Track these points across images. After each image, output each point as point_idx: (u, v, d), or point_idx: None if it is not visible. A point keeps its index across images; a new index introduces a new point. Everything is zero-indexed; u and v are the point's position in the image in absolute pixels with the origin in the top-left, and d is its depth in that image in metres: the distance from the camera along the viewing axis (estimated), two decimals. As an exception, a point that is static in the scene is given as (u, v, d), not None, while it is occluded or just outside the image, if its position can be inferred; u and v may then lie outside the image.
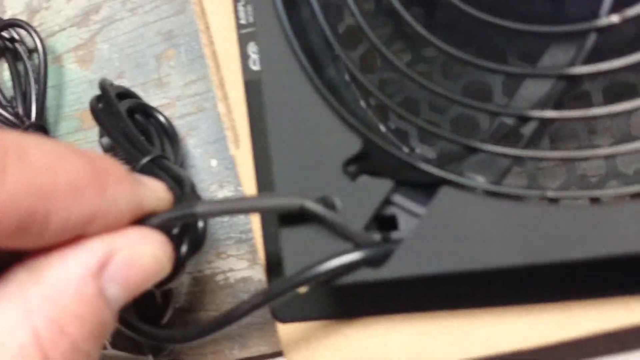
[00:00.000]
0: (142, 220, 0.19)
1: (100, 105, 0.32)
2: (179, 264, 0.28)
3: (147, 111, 0.34)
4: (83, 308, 0.16)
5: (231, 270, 0.35)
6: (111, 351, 0.31)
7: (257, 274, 0.34)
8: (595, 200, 0.21)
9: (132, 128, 0.30)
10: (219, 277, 0.35)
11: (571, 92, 0.21)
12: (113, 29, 0.38)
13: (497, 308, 0.24)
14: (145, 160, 0.29)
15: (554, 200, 0.22)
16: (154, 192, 0.20)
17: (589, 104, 0.22)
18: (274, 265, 0.27)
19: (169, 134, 0.34)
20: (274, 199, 0.21)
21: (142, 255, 0.18)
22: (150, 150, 0.30)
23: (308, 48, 0.23)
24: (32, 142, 0.16)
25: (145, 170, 0.29)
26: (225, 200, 0.21)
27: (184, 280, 0.36)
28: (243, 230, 0.35)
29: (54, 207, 0.16)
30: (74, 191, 0.16)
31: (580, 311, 0.23)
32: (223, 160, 0.35)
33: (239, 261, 0.35)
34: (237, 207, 0.21)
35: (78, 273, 0.16)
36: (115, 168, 0.18)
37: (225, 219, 0.35)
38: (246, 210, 0.21)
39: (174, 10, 0.36)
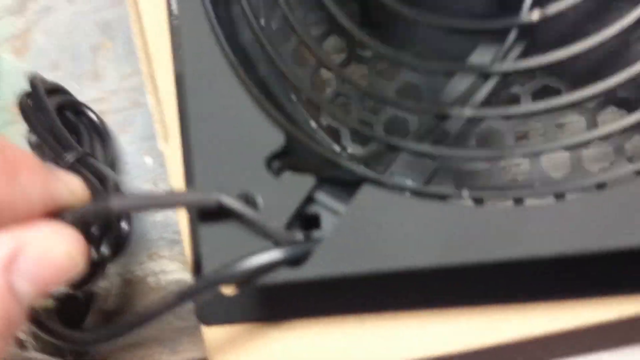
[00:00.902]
0: (56, 216, 0.18)
1: (29, 101, 0.31)
2: (98, 265, 0.27)
3: (78, 108, 0.33)
4: None
5: (163, 272, 0.34)
6: (32, 354, 0.30)
7: (190, 277, 0.33)
8: (519, 201, 0.21)
9: (59, 125, 0.30)
10: (150, 279, 0.34)
11: (500, 93, 0.21)
12: (50, 19, 0.37)
13: (422, 312, 0.23)
14: (69, 158, 0.28)
15: (479, 201, 0.21)
16: (67, 185, 0.19)
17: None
18: (199, 265, 0.26)
19: (99, 132, 0.33)
20: (191, 195, 0.20)
21: (54, 250, 0.17)
22: (76, 148, 0.29)
23: (238, 43, 0.23)
24: None
25: (72, 169, 0.28)
26: (141, 195, 0.20)
27: (114, 281, 0.34)
28: (176, 231, 0.34)
29: None
30: None
31: (501, 316, 0.23)
32: (158, 157, 0.34)
33: (171, 262, 0.34)
34: (152, 202, 0.20)
35: None
36: (26, 158, 0.18)
37: (158, 217, 0.34)
38: (162, 206, 0.20)
39: (112, 1, 0.35)
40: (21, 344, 0.30)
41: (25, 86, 0.37)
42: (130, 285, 0.34)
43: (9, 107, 0.37)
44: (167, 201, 0.20)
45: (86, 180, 0.27)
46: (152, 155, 0.34)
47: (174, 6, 0.26)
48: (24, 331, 0.30)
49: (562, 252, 0.18)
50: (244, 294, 0.25)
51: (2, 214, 0.17)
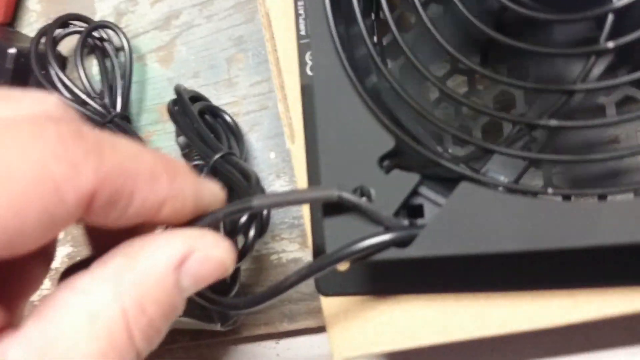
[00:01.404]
0: (207, 214, 0.23)
1: (176, 107, 0.37)
2: (247, 246, 0.32)
3: (215, 112, 0.38)
4: (162, 294, 0.20)
5: (284, 251, 0.39)
6: (185, 318, 0.35)
7: (307, 256, 0.38)
8: (602, 198, 0.24)
9: (204, 128, 0.35)
10: (273, 257, 0.39)
11: (586, 104, 0.24)
12: (191, 33, 0.42)
13: (512, 292, 0.27)
14: (216, 156, 0.33)
15: (566, 197, 0.25)
16: (211, 189, 0.23)
17: (603, 115, 0.25)
18: (320, 249, 0.31)
19: (234, 132, 0.38)
20: (316, 192, 0.24)
21: (214, 257, 0.21)
22: (221, 148, 0.34)
23: (355, 58, 0.27)
24: (119, 138, 0.20)
25: (217, 166, 0.33)
26: (276, 194, 0.25)
27: (247, 258, 0.40)
28: (295, 216, 0.39)
29: (137, 188, 0.19)
30: (152, 177, 0.20)
31: (585, 298, 0.26)
32: (280, 153, 0.39)
33: (290, 243, 0.39)
34: (285, 200, 0.24)
35: (163, 266, 0.20)
36: (180, 164, 0.21)
37: (281, 205, 0.39)
38: (293, 203, 0.25)
39: (244, 19, 0.40)
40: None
41: (169, 92, 0.43)
42: (257, 262, 0.40)
43: (156, 109, 0.44)
44: (297, 198, 0.25)
45: (232, 175, 0.32)
46: (275, 151, 0.40)
47: (302, 28, 0.31)
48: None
49: (633, 241, 0.21)
50: (357, 270, 0.29)
51: (164, 209, 0.20)
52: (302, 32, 0.31)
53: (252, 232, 0.29)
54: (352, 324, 0.30)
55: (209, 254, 0.21)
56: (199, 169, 0.35)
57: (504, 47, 0.23)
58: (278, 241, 0.39)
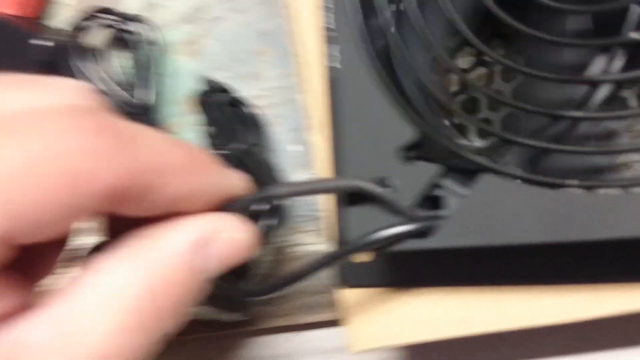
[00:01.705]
0: (232, 202, 0.23)
1: (204, 98, 0.37)
2: (269, 233, 0.33)
3: (242, 104, 0.39)
4: (188, 274, 0.20)
5: (304, 243, 0.39)
6: (203, 307, 0.36)
7: (327, 249, 0.39)
8: (625, 189, 0.24)
9: (231, 120, 0.36)
10: (294, 249, 0.40)
11: (611, 96, 0.24)
12: (218, 27, 0.43)
13: (533, 286, 0.27)
14: (242, 147, 0.34)
15: (588, 188, 0.24)
16: (238, 182, 0.24)
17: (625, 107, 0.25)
18: (343, 239, 0.31)
19: (259, 124, 0.39)
20: (339, 181, 0.25)
21: (238, 239, 0.22)
22: (246, 139, 0.35)
23: (381, 51, 0.27)
24: (150, 131, 0.20)
25: (242, 157, 0.34)
26: (296, 183, 0.25)
27: (267, 249, 0.40)
28: (315, 209, 0.39)
29: (166, 182, 0.19)
30: (180, 172, 0.20)
31: (608, 292, 0.25)
32: (304, 146, 0.40)
33: (310, 236, 0.39)
34: (305, 189, 0.25)
35: (187, 246, 0.20)
36: (209, 159, 0.22)
37: (304, 199, 0.39)
38: (312, 192, 0.25)
39: (271, 14, 0.41)
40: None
41: (196, 85, 0.43)
42: (278, 253, 0.40)
43: (183, 101, 0.44)
44: (316, 188, 0.25)
45: (255, 167, 0.33)
46: (299, 144, 0.40)
47: (328, 21, 0.31)
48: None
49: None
50: (378, 262, 0.30)
51: (190, 201, 0.21)
52: (328, 25, 0.31)
53: (274, 221, 0.29)
54: (371, 316, 0.30)
55: (233, 235, 0.21)
56: (224, 158, 0.35)
57: (524, 37, 0.23)
58: (298, 233, 0.39)
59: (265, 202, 0.25)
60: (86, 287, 0.19)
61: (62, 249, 0.22)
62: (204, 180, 0.21)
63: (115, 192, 0.18)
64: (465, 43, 0.29)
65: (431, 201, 0.25)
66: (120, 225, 0.21)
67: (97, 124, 0.18)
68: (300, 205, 0.40)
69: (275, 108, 0.41)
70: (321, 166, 0.33)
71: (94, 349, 0.18)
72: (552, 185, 0.23)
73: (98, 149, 0.18)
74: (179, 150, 0.20)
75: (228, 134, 0.34)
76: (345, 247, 0.25)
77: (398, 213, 0.24)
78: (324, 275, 0.39)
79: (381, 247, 0.25)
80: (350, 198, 0.25)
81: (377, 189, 0.24)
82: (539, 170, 0.23)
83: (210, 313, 0.36)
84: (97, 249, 0.22)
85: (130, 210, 0.19)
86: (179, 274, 0.20)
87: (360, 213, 0.25)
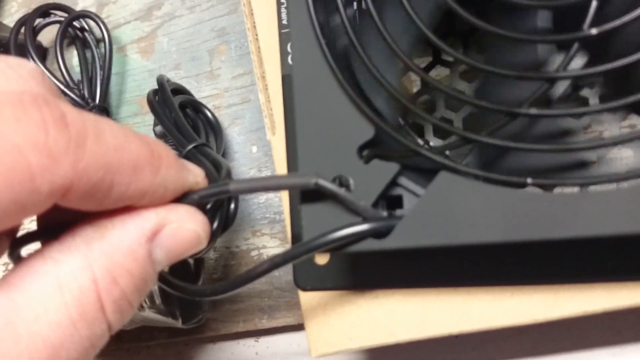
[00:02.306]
0: (184, 195, 0.22)
1: (156, 97, 0.36)
2: (219, 229, 0.32)
3: (197, 107, 0.38)
4: (134, 265, 0.19)
5: (264, 247, 0.38)
6: (148, 313, 0.35)
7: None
8: (584, 187, 0.23)
9: (182, 119, 0.35)
10: (254, 253, 0.39)
11: (570, 96, 0.24)
12: (172, 24, 0.42)
13: (493, 287, 0.26)
14: (190, 146, 0.33)
15: (547, 187, 0.24)
16: (195, 177, 0.23)
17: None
18: (297, 238, 0.30)
19: (213, 127, 0.38)
20: (294, 178, 0.24)
21: (187, 230, 0.21)
22: (195, 139, 0.34)
23: (335, 48, 0.26)
24: (106, 124, 0.19)
25: (189, 156, 0.33)
26: (253, 179, 0.24)
27: (223, 253, 0.39)
28: (277, 212, 0.38)
29: (117, 181, 0.19)
30: (134, 170, 0.19)
31: (567, 293, 0.25)
32: (263, 147, 0.39)
33: (271, 239, 0.38)
34: (262, 185, 0.24)
35: (135, 237, 0.20)
36: (167, 154, 0.21)
37: (262, 199, 0.38)
38: (270, 188, 0.24)
39: (227, 10, 0.40)
40: (140, 305, 0.35)
41: (149, 84, 0.42)
42: (236, 257, 0.39)
43: (136, 101, 0.43)
44: (273, 184, 0.24)
45: (203, 166, 0.31)
46: (257, 145, 0.39)
47: (284, 17, 0.30)
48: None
49: (615, 233, 0.20)
50: (334, 264, 0.29)
51: (144, 199, 0.20)
52: (284, 22, 0.30)
53: (215, 224, 0.29)
54: (330, 320, 0.30)
55: (183, 225, 0.21)
56: None
57: (484, 37, 0.23)
58: (258, 236, 0.38)
59: (218, 196, 0.24)
60: (31, 275, 0.18)
61: (8, 240, 0.21)
62: (158, 179, 0.20)
63: (59, 190, 0.17)
64: (425, 42, 0.29)
65: (390, 201, 0.24)
66: (70, 215, 0.20)
67: (45, 117, 0.17)
68: (260, 207, 0.39)
69: (233, 109, 0.40)
70: (279, 167, 0.32)
71: (37, 341, 0.17)
72: (511, 185, 0.22)
73: (45, 144, 0.17)
74: (132, 147, 0.19)
75: (177, 134, 0.33)
76: (300, 246, 0.24)
77: (355, 212, 0.24)
78: (285, 280, 0.38)
79: (336, 247, 0.24)
80: (307, 196, 0.24)
81: (334, 187, 0.24)
82: (498, 170, 0.22)
83: (155, 320, 0.35)
84: (25, 238, 0.21)
85: (76, 206, 0.18)
86: (126, 266, 0.19)
87: (315, 212, 0.24)
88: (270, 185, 0.24)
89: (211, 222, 0.31)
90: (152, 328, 0.41)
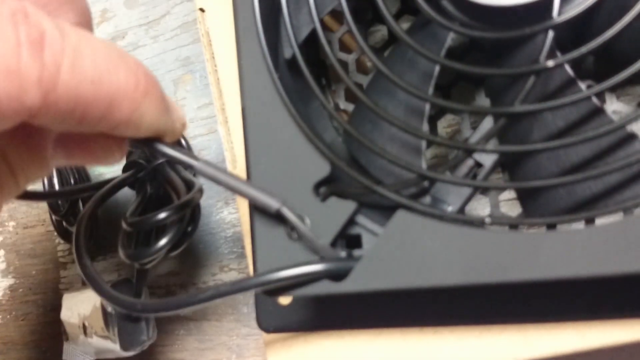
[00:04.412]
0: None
1: None
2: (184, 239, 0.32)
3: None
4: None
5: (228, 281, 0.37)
6: (92, 338, 0.33)
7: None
8: (551, 227, 0.22)
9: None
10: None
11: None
12: (137, 54, 0.41)
13: (460, 327, 0.25)
14: (161, 160, 0.32)
15: (513, 227, 0.23)
16: (174, 122, 0.22)
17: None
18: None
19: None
20: (260, 193, 0.22)
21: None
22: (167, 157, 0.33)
23: (293, 82, 0.26)
24: (90, 47, 0.17)
25: (160, 168, 0.33)
26: (223, 170, 0.23)
27: (190, 289, 0.38)
28: (244, 246, 0.37)
29: (89, 114, 0.17)
30: (109, 105, 0.18)
31: (535, 333, 0.24)
32: (229, 179, 0.38)
33: (239, 274, 0.37)
34: (227, 181, 0.23)
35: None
36: (154, 89, 0.19)
37: (229, 233, 0.37)
38: (233, 189, 0.22)
39: (191, 39, 0.39)
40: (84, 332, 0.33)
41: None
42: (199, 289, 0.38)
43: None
44: (237, 187, 0.22)
45: (174, 180, 0.31)
46: (224, 177, 0.38)
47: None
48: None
49: (576, 275, 0.19)
50: (299, 304, 0.28)
51: (115, 130, 0.19)
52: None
53: (190, 228, 0.28)
54: (295, 361, 0.28)
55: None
56: (138, 168, 0.33)
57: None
58: (226, 272, 0.37)
59: (181, 163, 0.23)
60: None
61: None
62: (140, 113, 0.19)
63: (23, 117, 0.16)
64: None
65: (349, 240, 0.23)
66: None
67: (22, 36, 0.16)
68: (227, 242, 0.37)
69: (198, 139, 0.39)
70: (241, 201, 0.31)
71: None
72: (471, 223, 0.21)
73: (15, 71, 0.16)
74: (119, 75, 0.18)
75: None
76: (247, 279, 0.23)
77: (313, 250, 0.23)
78: (253, 317, 0.37)
79: (290, 286, 0.23)
80: (263, 223, 0.23)
81: (296, 220, 0.22)
82: (521, 177, 0.21)
83: (104, 344, 0.33)
84: None
85: (48, 127, 0.18)
86: None
87: (270, 244, 0.23)
88: (234, 186, 0.23)
89: (186, 227, 0.31)
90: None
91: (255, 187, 0.23)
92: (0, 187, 0.20)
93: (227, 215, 0.38)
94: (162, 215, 0.29)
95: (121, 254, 0.30)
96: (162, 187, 0.33)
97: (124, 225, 0.30)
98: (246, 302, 0.37)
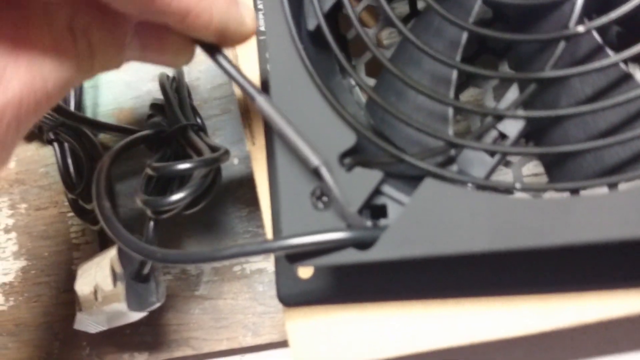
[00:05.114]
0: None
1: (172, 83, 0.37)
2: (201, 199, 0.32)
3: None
4: None
5: (247, 262, 0.37)
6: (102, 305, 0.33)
7: (272, 267, 0.37)
8: (575, 192, 0.22)
9: (188, 102, 0.36)
10: (236, 268, 0.38)
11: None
12: (150, 35, 0.41)
13: (483, 298, 0.25)
14: (189, 123, 0.33)
15: (537, 191, 0.23)
16: (244, 17, 0.23)
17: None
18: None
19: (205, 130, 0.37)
20: (306, 145, 0.22)
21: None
22: (198, 122, 0.34)
23: (315, 55, 0.26)
24: None
25: (183, 132, 0.33)
26: (280, 111, 0.23)
27: (205, 269, 0.38)
28: (260, 225, 0.37)
29: None
30: None
31: (558, 304, 0.24)
32: (244, 159, 0.38)
33: (248, 257, 0.37)
34: (280, 123, 0.23)
35: None
36: None
37: (244, 212, 0.37)
38: (282, 132, 0.23)
39: (205, 19, 0.39)
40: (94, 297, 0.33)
41: (125, 96, 0.41)
42: (218, 273, 0.38)
43: (112, 114, 0.42)
44: (286, 133, 0.23)
45: (202, 147, 0.31)
46: (239, 157, 0.38)
47: (262, 24, 0.29)
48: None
49: (606, 239, 0.19)
50: (320, 278, 0.28)
51: (186, 19, 0.20)
52: (262, 28, 0.29)
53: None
54: (315, 336, 0.28)
55: None
56: (161, 129, 0.34)
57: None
58: (241, 251, 0.37)
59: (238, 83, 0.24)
60: None
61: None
62: (203, 5, 0.20)
63: None
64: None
65: (374, 210, 0.23)
66: None
67: None
68: (242, 220, 0.38)
69: (213, 120, 0.39)
70: (259, 178, 0.31)
71: None
72: (501, 190, 0.22)
73: None
74: None
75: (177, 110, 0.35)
76: (277, 240, 0.23)
77: (340, 217, 0.23)
78: (269, 295, 0.37)
79: (316, 252, 0.23)
80: (290, 188, 0.23)
81: (331, 180, 0.22)
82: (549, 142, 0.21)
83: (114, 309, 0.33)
84: None
85: (120, 5, 0.19)
86: None
87: (296, 210, 0.23)
88: (284, 130, 0.23)
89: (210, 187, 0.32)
90: (132, 349, 0.40)
91: (302, 140, 0.23)
92: (78, 66, 0.20)
93: (241, 195, 0.38)
94: (188, 164, 0.29)
95: (137, 199, 0.29)
96: (183, 150, 0.33)
97: (147, 169, 0.30)
98: (262, 281, 0.37)
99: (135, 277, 0.32)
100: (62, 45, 0.20)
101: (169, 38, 0.23)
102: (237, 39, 0.23)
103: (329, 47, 0.24)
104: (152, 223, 0.31)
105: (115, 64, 0.22)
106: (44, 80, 0.19)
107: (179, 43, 0.23)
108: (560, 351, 0.32)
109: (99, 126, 0.38)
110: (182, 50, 0.23)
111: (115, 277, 0.31)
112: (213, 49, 0.24)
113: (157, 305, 0.33)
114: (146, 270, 0.32)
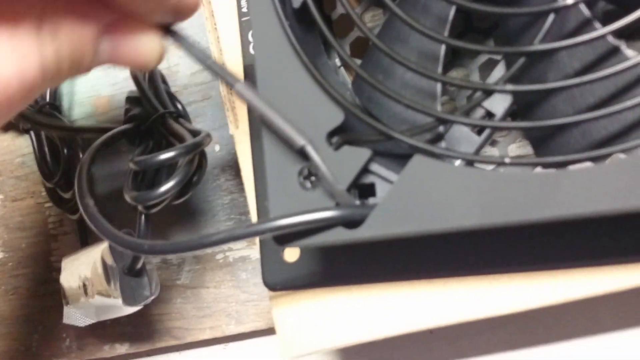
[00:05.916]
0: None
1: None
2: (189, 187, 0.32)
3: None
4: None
5: (230, 249, 0.37)
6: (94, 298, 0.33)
7: (255, 254, 0.36)
8: (562, 166, 0.22)
9: (162, 91, 0.35)
10: (219, 256, 0.37)
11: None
12: (128, 21, 0.40)
13: (469, 277, 0.25)
14: (167, 110, 0.33)
15: (527, 166, 0.23)
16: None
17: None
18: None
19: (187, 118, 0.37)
20: (289, 126, 0.22)
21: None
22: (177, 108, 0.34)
23: (301, 35, 0.25)
24: None
25: (162, 121, 0.33)
26: (261, 96, 0.22)
27: (186, 258, 0.38)
28: (243, 212, 0.37)
29: None
30: None
31: (544, 281, 0.24)
32: (226, 145, 0.37)
33: (237, 241, 0.37)
34: (260, 106, 0.22)
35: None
36: None
37: (226, 200, 0.37)
38: (265, 117, 0.22)
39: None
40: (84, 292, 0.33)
41: (103, 84, 0.41)
42: (200, 262, 0.37)
43: (90, 102, 0.41)
44: (269, 116, 0.22)
45: (182, 129, 0.31)
46: (220, 143, 0.37)
47: (244, 5, 0.29)
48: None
49: (596, 212, 0.19)
50: (305, 260, 0.27)
51: None
52: (244, 9, 0.29)
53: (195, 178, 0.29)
54: (302, 321, 0.28)
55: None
56: (139, 121, 0.34)
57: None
58: (224, 238, 0.37)
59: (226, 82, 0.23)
60: None
61: None
62: None
63: None
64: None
65: (362, 189, 0.23)
66: None
67: None
68: (224, 208, 0.37)
69: (193, 106, 0.38)
70: (243, 162, 0.30)
71: None
72: (489, 165, 0.21)
73: None
74: None
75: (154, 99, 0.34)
76: (262, 222, 0.22)
77: (328, 195, 0.22)
78: (253, 282, 0.37)
79: (304, 232, 0.22)
80: (280, 177, 0.23)
81: (318, 159, 0.22)
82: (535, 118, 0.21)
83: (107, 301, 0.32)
84: None
85: None
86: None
87: (282, 190, 0.23)
88: (266, 114, 0.22)
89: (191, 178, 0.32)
90: (113, 340, 0.39)
91: (284, 121, 0.22)
92: (43, 72, 0.19)
93: (223, 182, 0.37)
94: (171, 153, 0.29)
95: (126, 196, 0.29)
96: (165, 139, 0.32)
97: (130, 165, 0.29)
98: (245, 269, 0.37)
99: (128, 272, 0.31)
100: (25, 48, 0.19)
101: (139, 37, 0.22)
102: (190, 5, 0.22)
103: (314, 26, 0.24)
104: (143, 217, 0.30)
105: (84, 68, 0.22)
106: (4, 87, 0.18)
107: (148, 40, 0.22)
108: (543, 333, 0.32)
109: (77, 131, 0.37)
110: (152, 49, 0.22)
111: (107, 271, 0.31)
112: (188, 43, 0.23)
113: (152, 298, 0.33)
114: (139, 265, 0.31)
